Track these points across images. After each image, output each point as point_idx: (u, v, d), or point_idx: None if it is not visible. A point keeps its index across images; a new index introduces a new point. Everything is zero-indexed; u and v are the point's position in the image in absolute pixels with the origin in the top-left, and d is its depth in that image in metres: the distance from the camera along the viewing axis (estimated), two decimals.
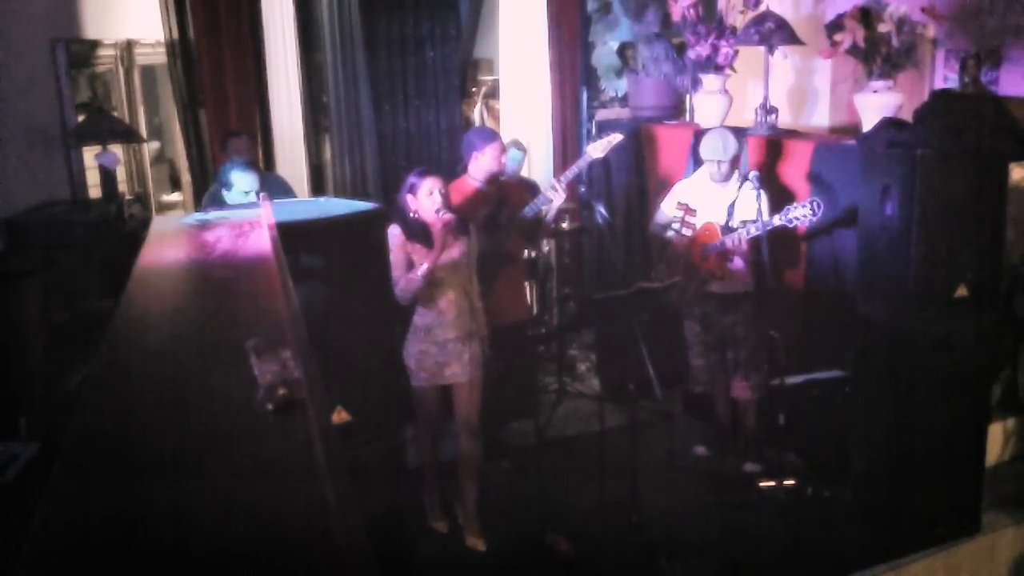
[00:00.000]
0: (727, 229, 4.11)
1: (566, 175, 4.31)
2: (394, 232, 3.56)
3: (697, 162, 4.87)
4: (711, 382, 4.43)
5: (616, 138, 4.32)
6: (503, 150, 4.14)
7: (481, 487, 3.89)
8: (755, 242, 3.99)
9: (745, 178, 4.14)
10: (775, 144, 4.51)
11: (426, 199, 3.51)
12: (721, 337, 4.30)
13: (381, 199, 4.98)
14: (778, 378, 3.86)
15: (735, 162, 4.18)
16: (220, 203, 4.14)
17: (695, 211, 4.26)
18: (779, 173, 4.44)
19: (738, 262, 4.16)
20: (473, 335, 3.71)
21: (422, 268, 3.48)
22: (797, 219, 3.86)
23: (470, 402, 3.76)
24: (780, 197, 4.25)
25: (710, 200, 4.22)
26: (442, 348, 3.65)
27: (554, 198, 4.17)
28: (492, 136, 4.20)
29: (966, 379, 3.61)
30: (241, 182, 3.82)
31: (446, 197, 3.54)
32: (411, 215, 3.56)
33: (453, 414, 3.84)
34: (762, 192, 3.97)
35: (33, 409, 3.43)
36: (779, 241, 4.14)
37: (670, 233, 4.34)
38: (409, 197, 3.56)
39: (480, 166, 4.08)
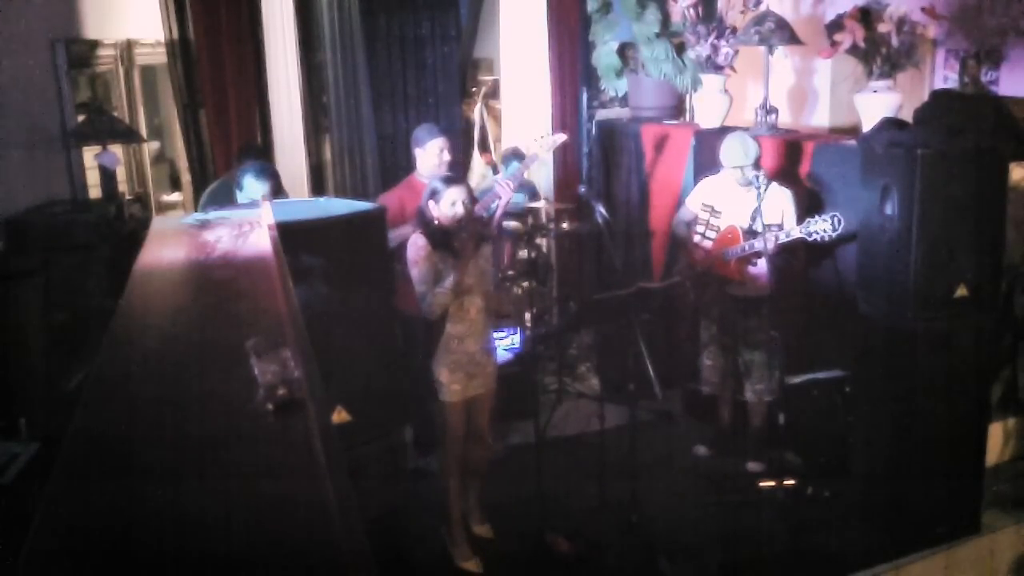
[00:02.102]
0: (750, 233, 4.06)
1: (514, 175, 4.35)
2: (419, 243, 3.42)
3: (698, 163, 4.87)
4: (721, 384, 4.41)
5: (560, 138, 4.37)
6: (444, 147, 4.06)
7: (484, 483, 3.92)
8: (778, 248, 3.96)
9: (771, 181, 4.10)
10: (775, 144, 4.51)
11: (448, 209, 3.41)
12: (737, 339, 4.28)
13: None
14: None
15: (758, 164, 4.10)
16: (224, 201, 4.14)
17: (720, 212, 4.22)
18: (779, 173, 4.44)
19: (760, 266, 4.10)
20: (494, 345, 3.73)
21: (449, 280, 3.37)
22: (817, 233, 3.82)
23: (487, 414, 3.74)
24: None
25: (735, 202, 4.16)
26: (471, 359, 3.55)
27: (502, 195, 4.16)
28: (433, 132, 4.12)
29: (966, 379, 3.61)
30: (252, 188, 3.81)
31: (470, 207, 3.45)
32: (434, 223, 3.44)
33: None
34: (792, 196, 3.94)
35: (33, 409, 3.43)
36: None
37: (695, 237, 4.30)
38: (431, 203, 3.44)
39: (422, 163, 4.04)
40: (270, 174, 3.96)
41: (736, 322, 4.24)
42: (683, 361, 4.68)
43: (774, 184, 4.10)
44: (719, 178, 4.28)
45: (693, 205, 4.36)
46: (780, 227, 3.98)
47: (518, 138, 5.82)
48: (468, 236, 3.38)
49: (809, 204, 4.21)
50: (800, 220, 3.99)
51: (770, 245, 3.91)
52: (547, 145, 4.33)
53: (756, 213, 4.00)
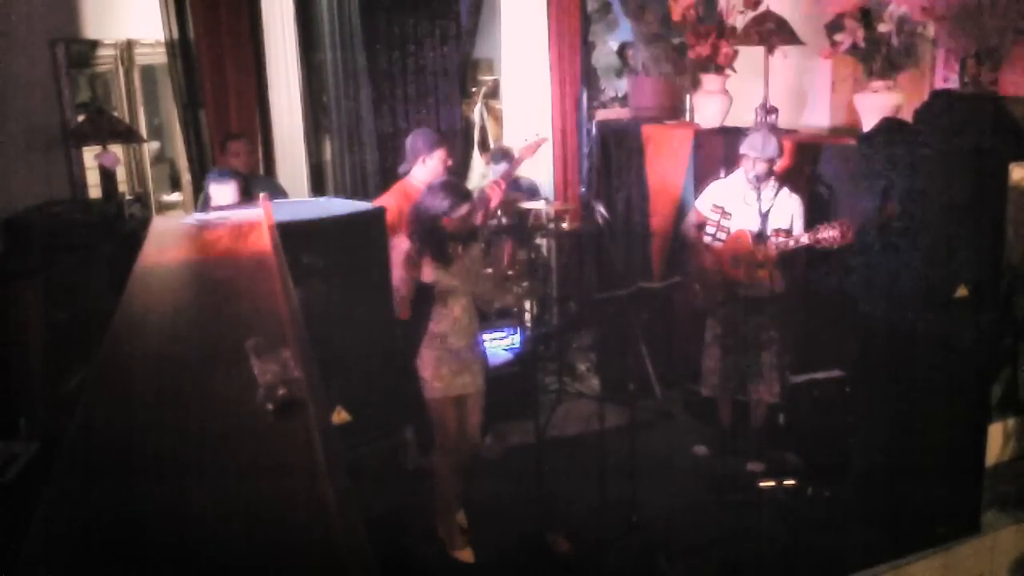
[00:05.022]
0: (759, 237, 4.06)
1: (505, 174, 4.46)
2: (401, 247, 3.43)
3: (698, 163, 4.88)
4: (720, 386, 4.41)
5: (541, 140, 4.62)
6: (447, 157, 4.03)
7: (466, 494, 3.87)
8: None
9: (782, 186, 4.12)
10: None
11: (462, 223, 3.46)
12: (741, 340, 4.28)
13: None
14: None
15: (771, 164, 4.10)
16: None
17: (731, 214, 4.23)
18: (779, 173, 4.44)
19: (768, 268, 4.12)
20: (479, 343, 3.72)
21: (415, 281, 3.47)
22: (825, 241, 3.82)
23: (476, 414, 3.73)
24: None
25: (745, 205, 4.16)
26: (455, 356, 3.58)
27: (492, 197, 4.22)
28: (436, 142, 4.07)
29: (966, 379, 3.61)
30: (218, 195, 3.76)
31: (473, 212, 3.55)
32: (435, 230, 3.44)
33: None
34: (800, 202, 3.94)
35: (33, 409, 3.43)
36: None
37: (706, 238, 4.30)
38: (441, 212, 3.43)
39: (427, 171, 3.96)
40: (232, 175, 3.90)
41: (743, 323, 4.24)
42: (683, 361, 4.67)
43: (785, 190, 4.10)
44: (729, 181, 4.32)
45: (703, 208, 4.37)
46: (789, 232, 3.98)
47: (516, 138, 5.81)
48: (468, 237, 3.44)
49: (811, 206, 4.21)
50: (808, 225, 3.99)
51: (776, 251, 3.95)
52: (531, 148, 4.49)
53: (766, 218, 4.03)
